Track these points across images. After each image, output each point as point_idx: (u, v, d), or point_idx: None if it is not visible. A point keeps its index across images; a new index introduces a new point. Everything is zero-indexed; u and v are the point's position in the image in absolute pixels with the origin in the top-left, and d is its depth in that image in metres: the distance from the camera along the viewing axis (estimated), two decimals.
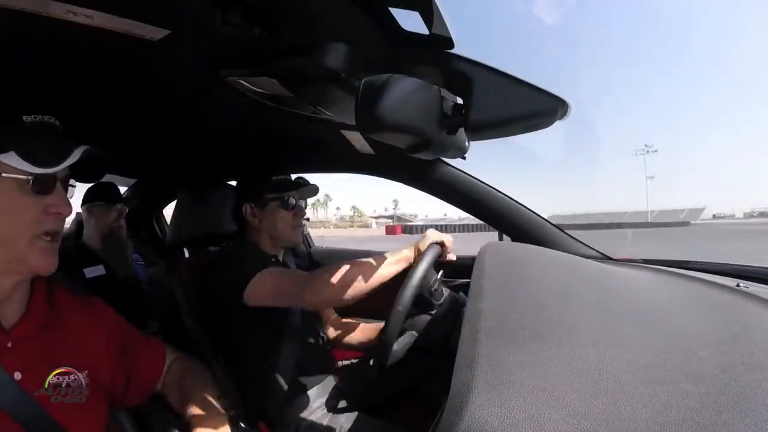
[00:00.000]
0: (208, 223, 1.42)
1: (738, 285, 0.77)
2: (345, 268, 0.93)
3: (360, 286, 0.90)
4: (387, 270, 0.93)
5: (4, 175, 0.57)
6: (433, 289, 0.96)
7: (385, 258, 0.95)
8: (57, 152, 0.59)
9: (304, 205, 1.23)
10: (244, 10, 0.55)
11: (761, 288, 0.78)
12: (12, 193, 0.57)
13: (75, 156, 0.60)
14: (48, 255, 0.61)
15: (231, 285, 1.02)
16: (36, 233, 0.59)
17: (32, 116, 0.59)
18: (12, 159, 0.56)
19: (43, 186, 0.59)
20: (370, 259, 0.94)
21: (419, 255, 0.93)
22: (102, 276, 1.60)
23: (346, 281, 0.91)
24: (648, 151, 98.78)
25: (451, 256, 1.02)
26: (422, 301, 0.93)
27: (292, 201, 1.18)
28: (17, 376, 0.59)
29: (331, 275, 0.92)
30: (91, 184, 1.62)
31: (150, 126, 1.18)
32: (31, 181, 0.58)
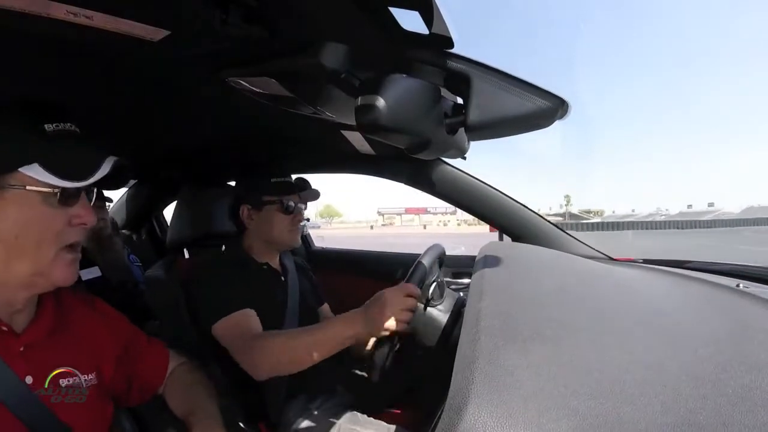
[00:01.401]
0: (209, 224, 1.42)
1: (738, 285, 0.77)
2: (289, 342, 0.88)
3: (298, 364, 0.87)
4: (330, 347, 0.86)
5: (28, 188, 0.54)
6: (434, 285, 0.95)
7: (334, 329, 0.87)
8: (85, 164, 0.57)
9: (303, 208, 1.21)
10: (244, 10, 0.55)
11: (761, 288, 0.78)
12: (37, 206, 0.55)
13: (105, 169, 0.58)
14: (71, 267, 0.60)
15: (203, 317, 1.02)
16: (61, 246, 0.58)
17: (54, 124, 0.57)
18: (36, 171, 0.54)
19: (68, 198, 0.57)
20: (317, 334, 0.87)
21: (370, 330, 0.84)
22: (98, 278, 1.60)
23: (287, 357, 0.87)
24: None
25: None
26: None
27: (292, 205, 1.15)
28: (29, 380, 0.59)
29: (273, 349, 0.88)
30: None
31: (150, 126, 1.18)
32: (58, 194, 0.56)
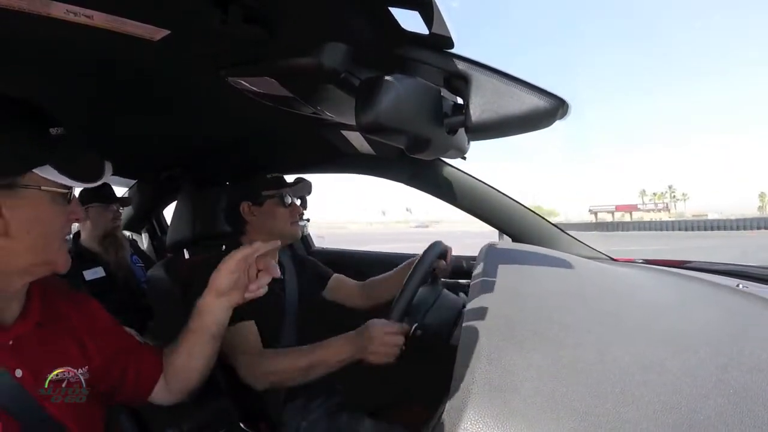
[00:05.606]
0: (209, 224, 1.42)
1: (738, 285, 0.77)
2: (288, 364, 0.95)
3: (294, 381, 0.96)
4: (325, 369, 0.94)
5: (43, 188, 0.58)
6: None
7: (328, 352, 0.94)
8: (92, 167, 0.63)
9: (300, 203, 1.23)
10: (244, 10, 0.55)
11: (761, 288, 0.78)
12: (46, 204, 0.60)
13: (109, 172, 0.65)
14: (68, 255, 0.66)
15: None
16: (63, 238, 0.64)
17: (56, 128, 0.61)
18: (49, 172, 0.58)
19: (70, 197, 0.63)
20: (313, 356, 0.94)
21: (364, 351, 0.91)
22: (102, 278, 1.61)
23: (285, 377, 0.95)
24: None
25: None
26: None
27: (289, 198, 1.19)
28: (18, 373, 0.59)
29: (272, 369, 0.95)
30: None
31: (150, 126, 1.18)
32: (69, 195, 0.62)
